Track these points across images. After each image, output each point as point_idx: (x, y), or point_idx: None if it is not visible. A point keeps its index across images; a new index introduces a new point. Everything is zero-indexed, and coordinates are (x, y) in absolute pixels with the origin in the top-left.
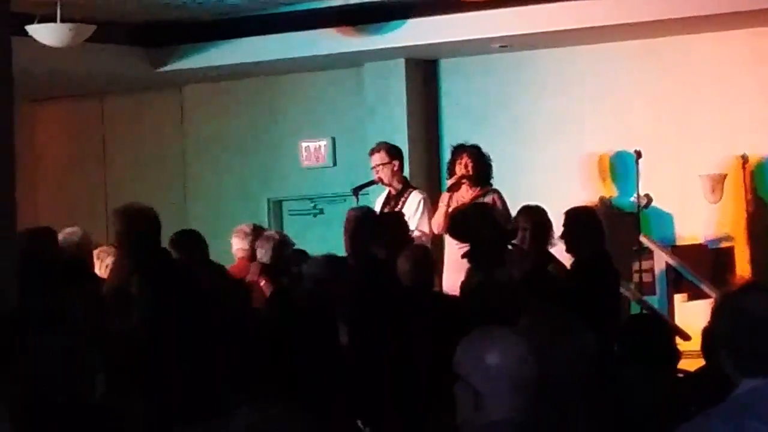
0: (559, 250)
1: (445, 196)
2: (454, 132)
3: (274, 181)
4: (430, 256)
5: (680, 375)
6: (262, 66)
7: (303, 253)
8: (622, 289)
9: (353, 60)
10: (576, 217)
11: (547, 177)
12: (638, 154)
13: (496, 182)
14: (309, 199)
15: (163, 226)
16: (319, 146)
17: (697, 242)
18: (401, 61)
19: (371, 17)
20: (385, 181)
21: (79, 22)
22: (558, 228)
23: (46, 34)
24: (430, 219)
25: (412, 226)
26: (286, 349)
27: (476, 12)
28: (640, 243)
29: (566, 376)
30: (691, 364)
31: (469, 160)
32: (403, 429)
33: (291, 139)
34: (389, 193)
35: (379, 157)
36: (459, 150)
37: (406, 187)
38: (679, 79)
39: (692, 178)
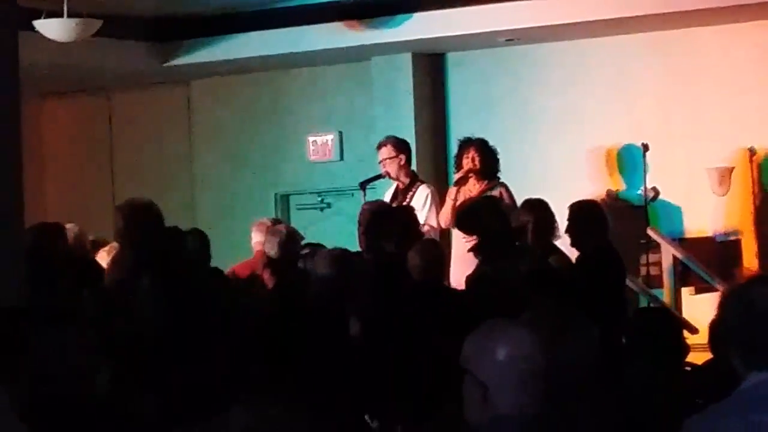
0: (564, 244)
1: (452, 190)
2: (460, 126)
3: (282, 175)
4: (440, 251)
5: (688, 368)
6: (269, 60)
7: (318, 246)
8: (629, 282)
9: (360, 54)
10: (580, 210)
11: (555, 170)
12: (645, 147)
13: (504, 175)
14: (316, 193)
15: (171, 221)
16: (327, 140)
17: (705, 235)
18: (408, 55)
19: (378, 11)
20: (392, 175)
21: (86, 16)
22: (564, 221)
23: (53, 29)
24: (437, 213)
25: (420, 220)
26: (289, 345)
27: (483, 6)
28: (648, 236)
29: (570, 370)
30: (698, 357)
31: (476, 154)
32: (411, 423)
33: (298, 133)
34: (397, 187)
35: (386, 151)
36: (466, 144)
37: (414, 181)
38: (687, 72)
39: (699, 171)
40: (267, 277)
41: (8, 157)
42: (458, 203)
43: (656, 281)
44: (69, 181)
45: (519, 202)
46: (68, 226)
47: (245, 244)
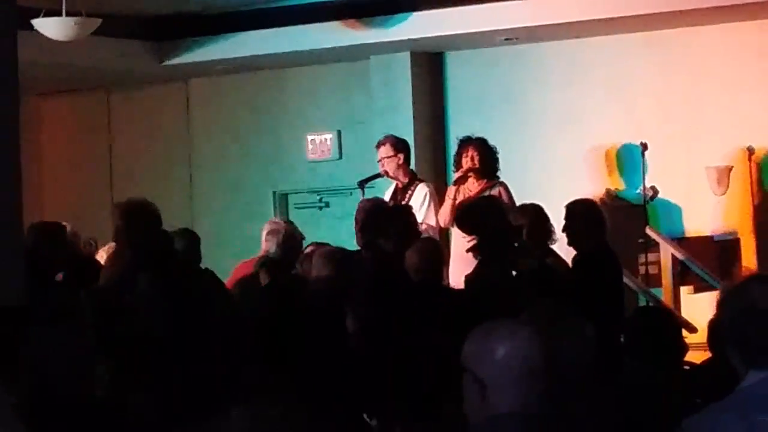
0: (562, 243)
1: (451, 189)
2: (459, 125)
3: (280, 174)
4: (439, 250)
5: (687, 367)
6: (267, 59)
7: (322, 245)
8: (628, 282)
9: (359, 53)
10: (577, 209)
11: (554, 169)
12: (644, 147)
13: (503, 175)
14: (315, 192)
15: (169, 220)
16: (325, 139)
17: (704, 234)
18: (407, 54)
19: (377, 10)
20: (391, 174)
21: (84, 15)
22: (562, 220)
23: (51, 27)
24: (436, 212)
25: (418, 219)
26: (286, 345)
27: (482, 5)
28: (647, 235)
29: (568, 369)
30: (697, 356)
31: (476, 153)
32: (410, 422)
33: (297, 132)
34: (396, 186)
35: (385, 150)
36: (465, 143)
37: (413, 180)
38: (686, 71)
39: (698, 170)
40: (263, 276)
41: (7, 156)
42: (457, 202)
43: (655, 280)
44: (67, 180)
45: (518, 201)
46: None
47: (244, 243)
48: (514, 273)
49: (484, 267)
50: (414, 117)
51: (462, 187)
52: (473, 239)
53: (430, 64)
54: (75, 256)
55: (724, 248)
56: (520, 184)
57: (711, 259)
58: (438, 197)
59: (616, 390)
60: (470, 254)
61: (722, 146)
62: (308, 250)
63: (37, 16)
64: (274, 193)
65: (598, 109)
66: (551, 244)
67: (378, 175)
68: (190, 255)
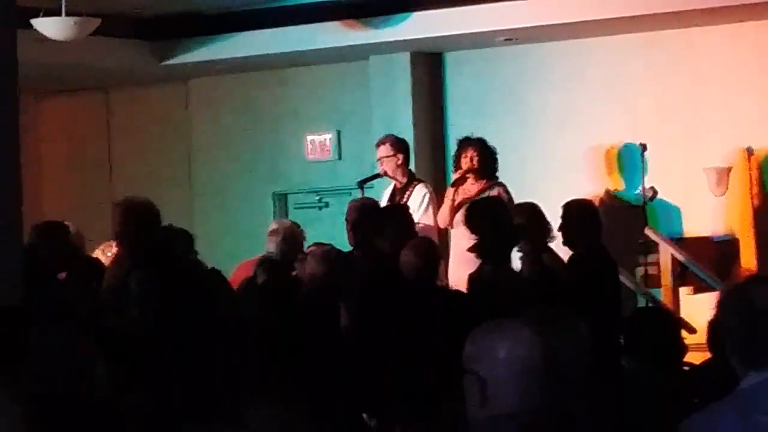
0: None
1: (450, 191)
2: (459, 125)
3: (280, 174)
4: (434, 249)
5: (686, 368)
6: (267, 59)
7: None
8: (626, 282)
9: (358, 53)
10: (573, 209)
11: (553, 170)
12: (644, 147)
13: (502, 175)
14: (314, 192)
15: (169, 220)
16: (325, 140)
17: (703, 235)
18: (406, 55)
19: (376, 10)
20: (390, 173)
21: (84, 15)
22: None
23: (51, 27)
24: (435, 212)
25: (416, 219)
26: (282, 345)
27: (481, 5)
28: (646, 236)
29: (567, 369)
30: (696, 356)
31: (475, 153)
32: (410, 422)
33: (296, 132)
34: (395, 186)
35: (384, 150)
36: (464, 143)
37: (411, 180)
38: (685, 71)
39: (697, 171)
40: (260, 275)
41: (6, 156)
42: (457, 203)
43: (654, 281)
44: (66, 180)
45: (517, 201)
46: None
47: (243, 243)
48: (515, 273)
49: (488, 265)
50: (413, 117)
51: (461, 187)
52: (475, 239)
53: (429, 65)
54: (77, 255)
55: (723, 249)
56: (519, 184)
57: (710, 259)
58: (437, 197)
59: (616, 390)
60: (470, 255)
61: (721, 147)
62: (309, 250)
63: (36, 16)
64: (274, 193)
65: (598, 109)
66: (549, 242)
67: (377, 176)
68: (185, 254)
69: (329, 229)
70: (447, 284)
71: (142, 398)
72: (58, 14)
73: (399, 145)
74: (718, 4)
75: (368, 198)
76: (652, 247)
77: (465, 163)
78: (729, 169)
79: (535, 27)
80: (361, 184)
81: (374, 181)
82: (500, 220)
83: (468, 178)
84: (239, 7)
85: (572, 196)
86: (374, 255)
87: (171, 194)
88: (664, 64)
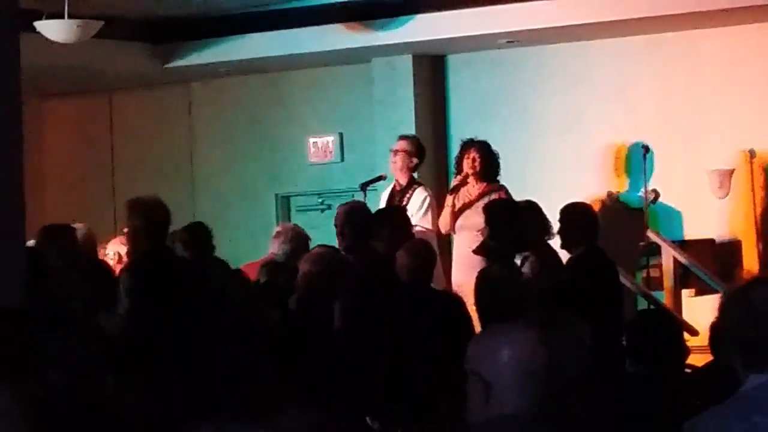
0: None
1: (449, 198)
2: (461, 127)
3: (282, 177)
4: (430, 251)
5: (688, 370)
6: (269, 62)
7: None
8: (628, 285)
9: (361, 56)
10: (570, 212)
11: (555, 172)
12: (646, 149)
13: (504, 177)
14: (317, 194)
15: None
16: (327, 142)
17: (705, 237)
18: (409, 57)
19: (379, 13)
20: (396, 170)
21: (86, 18)
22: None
23: (53, 30)
24: (434, 216)
25: (415, 221)
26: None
27: (483, 7)
28: (648, 238)
29: (569, 371)
30: (698, 359)
31: (477, 156)
32: (411, 424)
33: (298, 134)
34: (394, 188)
35: (406, 145)
36: (467, 145)
37: (411, 183)
38: (687, 74)
39: (700, 173)
40: (261, 277)
41: (9, 159)
42: (458, 208)
43: (656, 283)
44: (70, 182)
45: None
46: (77, 226)
47: (246, 246)
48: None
49: (497, 264)
50: (416, 120)
51: (462, 191)
52: (476, 242)
53: (432, 67)
54: (84, 258)
55: (725, 251)
56: (521, 186)
57: (712, 262)
58: (439, 200)
59: (618, 393)
60: (474, 258)
61: (724, 149)
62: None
63: (39, 19)
64: (276, 195)
65: (600, 111)
66: (548, 239)
67: (380, 178)
68: (203, 248)
69: (332, 232)
70: (450, 289)
71: (140, 400)
72: (61, 17)
73: (420, 150)
74: (720, 6)
75: (357, 201)
76: (655, 250)
77: (467, 165)
78: (731, 172)
79: (538, 29)
80: (364, 186)
81: (377, 184)
82: (513, 221)
83: (466, 183)
84: (242, 9)
85: (574, 198)
86: (367, 257)
87: (173, 196)
88: (666, 67)
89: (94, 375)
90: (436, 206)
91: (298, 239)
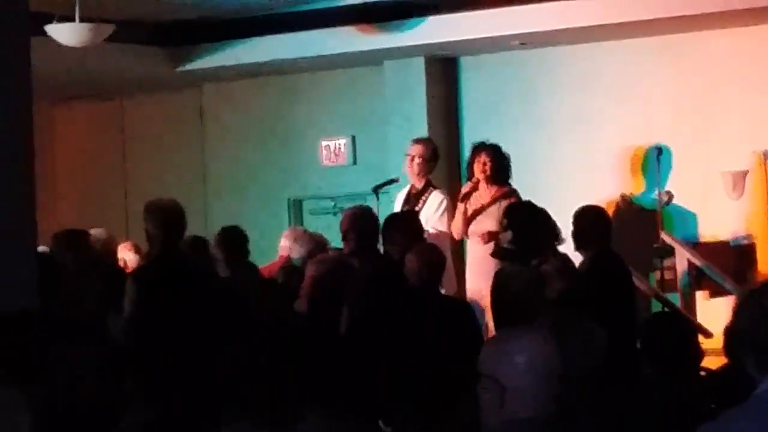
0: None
1: (460, 205)
2: (474, 129)
3: (294, 180)
4: (439, 254)
5: (702, 373)
6: (281, 64)
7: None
8: (642, 287)
9: (373, 58)
10: (583, 215)
11: (568, 174)
12: (659, 151)
13: (516, 179)
14: (329, 198)
15: None
16: (339, 145)
17: (719, 239)
18: (421, 59)
19: (391, 15)
20: (413, 172)
21: (98, 21)
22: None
23: (65, 33)
24: (450, 218)
25: (430, 224)
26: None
27: (496, 9)
28: (662, 240)
29: (582, 373)
30: (713, 361)
31: (488, 159)
32: (424, 428)
33: (311, 137)
34: (410, 191)
35: (422, 149)
36: (478, 149)
37: (428, 186)
38: (700, 75)
39: (714, 174)
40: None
41: (21, 163)
42: (470, 213)
43: (670, 285)
44: (81, 186)
45: None
46: (94, 231)
47: (257, 249)
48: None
49: (515, 264)
50: (428, 122)
51: (474, 195)
52: (490, 247)
53: (444, 69)
54: (98, 263)
55: (739, 253)
56: (534, 188)
57: (727, 264)
58: (451, 203)
59: (633, 395)
60: (488, 263)
61: (737, 150)
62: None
63: (50, 22)
64: (289, 199)
65: (613, 113)
66: (558, 245)
67: (392, 181)
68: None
69: None
70: (465, 294)
71: (144, 405)
72: (72, 20)
73: (435, 154)
74: (733, 7)
75: (363, 206)
76: (669, 252)
77: (478, 168)
78: (745, 173)
79: (550, 31)
80: (376, 189)
81: (389, 187)
82: (534, 224)
83: (478, 189)
84: (253, 12)
85: (587, 200)
86: (373, 261)
87: (185, 200)
88: (679, 68)
89: (101, 378)
90: (452, 210)
91: (317, 244)
